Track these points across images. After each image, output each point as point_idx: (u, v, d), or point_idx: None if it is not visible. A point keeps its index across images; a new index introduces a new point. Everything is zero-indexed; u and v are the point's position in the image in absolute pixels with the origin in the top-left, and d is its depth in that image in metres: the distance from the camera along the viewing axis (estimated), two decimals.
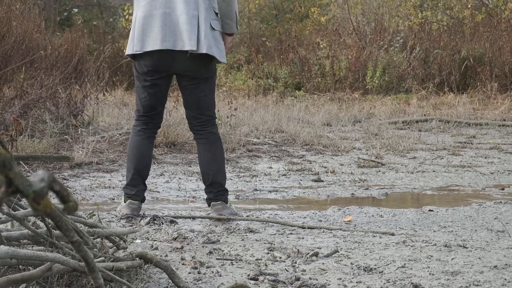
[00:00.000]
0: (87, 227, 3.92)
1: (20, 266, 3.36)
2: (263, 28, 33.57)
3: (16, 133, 7.26)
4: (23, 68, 12.79)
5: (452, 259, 4.80)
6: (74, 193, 7.53)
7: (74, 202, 1.57)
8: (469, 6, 30.67)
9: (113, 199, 7.37)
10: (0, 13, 13.18)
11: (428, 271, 4.46)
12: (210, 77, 6.59)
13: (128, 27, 30.51)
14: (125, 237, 4.59)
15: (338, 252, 4.96)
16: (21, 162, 7.89)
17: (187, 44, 6.10)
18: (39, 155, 5.89)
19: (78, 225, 3.77)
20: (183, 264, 4.51)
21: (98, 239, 3.95)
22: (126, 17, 31.05)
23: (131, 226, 5.74)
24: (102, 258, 3.63)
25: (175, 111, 13.21)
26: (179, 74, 6.45)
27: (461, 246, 5.23)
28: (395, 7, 29.56)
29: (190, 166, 9.74)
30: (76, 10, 31.81)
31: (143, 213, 6.27)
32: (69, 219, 3.42)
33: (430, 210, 6.88)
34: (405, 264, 4.63)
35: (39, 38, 15.29)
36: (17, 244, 3.54)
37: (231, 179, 8.85)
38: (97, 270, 2.57)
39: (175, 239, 5.30)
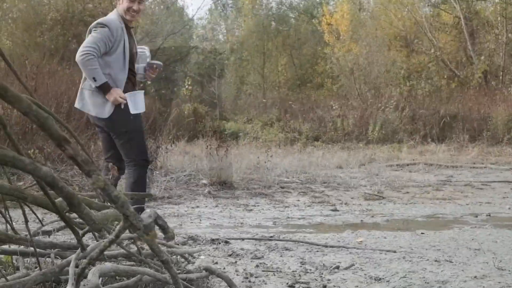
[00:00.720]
0: (166, 247, 3.93)
1: (117, 277, 3.38)
2: (289, 94, 33.71)
3: (113, 174, 7.32)
4: None
5: (441, 271, 4.76)
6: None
7: (172, 232, 1.58)
8: (445, 76, 30.76)
9: (181, 224, 7.36)
10: None
11: (424, 280, 4.43)
12: (120, 132, 6.17)
13: (187, 95, 30.79)
14: (194, 254, 4.60)
15: (354, 265, 4.93)
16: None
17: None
18: (129, 193, 5.93)
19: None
20: (237, 275, 4.50)
21: (174, 256, 3.96)
22: (187, 86, 31.28)
23: (197, 246, 5.73)
24: (179, 271, 3.65)
25: (225, 158, 13.24)
26: None
27: (447, 261, 5.19)
28: (389, 78, 29.57)
29: (238, 200, 9.73)
30: (149, 82, 31.98)
31: (205, 235, 6.27)
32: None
33: (422, 233, 6.83)
34: (406, 275, 4.60)
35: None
36: (115, 261, 3.56)
37: (269, 209, 8.84)
38: (180, 282, 2.58)
39: (230, 255, 5.30)
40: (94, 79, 5.95)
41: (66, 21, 30.17)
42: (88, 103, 6.09)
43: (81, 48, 6.07)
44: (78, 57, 6.03)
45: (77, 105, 6.18)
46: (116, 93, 6.04)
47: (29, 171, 1.36)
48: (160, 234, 2.25)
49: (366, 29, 31.92)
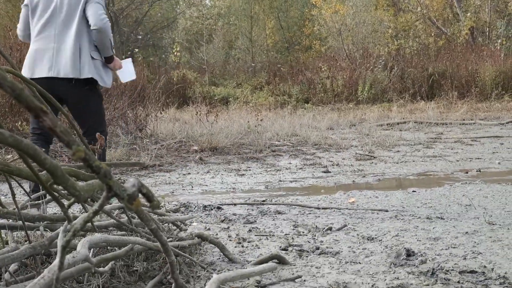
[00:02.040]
0: (157, 215, 3.90)
1: (109, 247, 3.35)
2: (278, 57, 33.66)
3: (100, 146, 7.29)
4: None
5: (433, 228, 4.75)
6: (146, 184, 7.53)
7: (157, 201, 1.55)
8: (433, 34, 30.74)
9: (172, 192, 7.34)
10: None
11: (416, 238, 4.42)
12: (93, 99, 5.90)
13: (176, 61, 30.65)
14: (185, 221, 4.58)
15: (347, 226, 4.92)
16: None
17: (70, 72, 5.65)
18: (119, 163, 5.90)
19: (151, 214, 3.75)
20: (229, 240, 4.48)
21: (166, 224, 3.94)
22: (175, 53, 31.15)
23: (189, 213, 5.72)
24: (170, 238, 3.62)
25: (215, 123, 13.21)
26: (63, 99, 5.76)
27: (439, 218, 5.18)
28: (377, 38, 29.51)
29: (229, 165, 9.71)
30: (137, 50, 31.90)
31: (197, 202, 6.25)
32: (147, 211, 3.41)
33: (413, 191, 6.83)
34: (398, 233, 4.59)
35: None
36: (106, 231, 3.53)
37: (260, 173, 8.82)
38: (170, 249, 2.56)
39: (222, 221, 5.28)
40: (112, 47, 5.89)
41: None
42: (103, 73, 5.89)
43: (100, 14, 5.75)
44: (101, 23, 5.72)
45: (94, 75, 5.79)
46: (118, 61, 6.04)
47: (9, 144, 1.32)
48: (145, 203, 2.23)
49: None
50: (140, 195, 1.49)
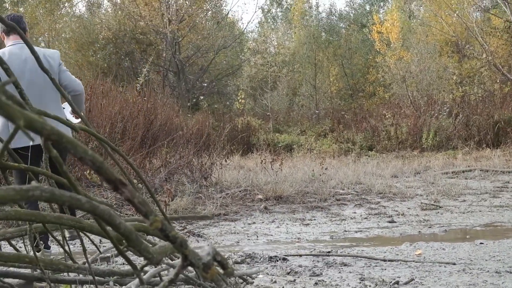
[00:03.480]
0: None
1: None
2: (342, 104, 33.68)
3: (169, 199, 7.39)
4: (166, 144, 13.00)
5: (502, 282, 4.66)
6: (208, 238, 7.55)
7: (231, 268, 1.57)
8: (498, 81, 30.34)
9: (238, 242, 7.36)
10: (149, 104, 13.47)
11: None
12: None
13: (240, 108, 30.92)
14: (252, 274, 4.57)
15: (414, 280, 4.86)
16: (174, 221, 8.00)
17: None
18: (187, 216, 5.96)
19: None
20: None
21: (233, 278, 3.94)
22: (240, 100, 31.42)
23: (254, 264, 5.71)
24: None
25: (279, 172, 13.22)
26: None
27: (508, 272, 5.08)
28: (442, 84, 29.28)
29: (294, 214, 9.69)
30: (202, 97, 32.28)
31: (262, 253, 6.24)
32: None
33: (481, 243, 6.71)
34: None
35: (177, 121, 15.57)
36: (174, 285, 3.56)
37: (325, 223, 8.78)
38: None
39: (288, 273, 5.26)
40: None
41: (118, 40, 30.69)
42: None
43: (79, 82, 6.40)
44: (82, 89, 6.41)
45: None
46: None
47: (86, 210, 1.36)
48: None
49: (417, 36, 31.70)
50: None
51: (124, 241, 1.71)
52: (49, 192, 1.29)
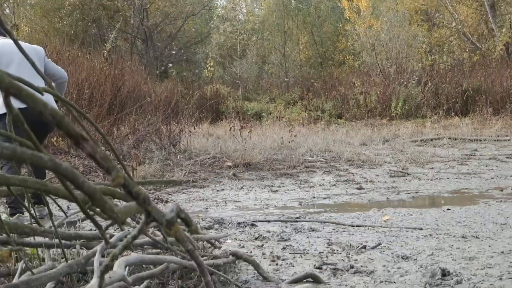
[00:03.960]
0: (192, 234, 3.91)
1: (144, 265, 3.37)
2: (311, 72, 33.65)
3: (136, 163, 7.36)
4: (134, 111, 12.92)
5: (468, 247, 4.71)
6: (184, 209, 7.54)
7: (195, 226, 1.56)
8: (467, 50, 30.52)
9: (206, 208, 7.35)
10: (116, 70, 13.36)
11: (451, 257, 4.38)
12: None
13: (209, 76, 30.79)
14: (219, 239, 4.58)
15: (381, 244, 4.89)
16: (142, 187, 7.98)
17: None
18: (154, 180, 5.94)
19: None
20: (264, 258, 4.48)
21: (201, 242, 3.94)
22: (208, 68, 31.27)
23: (223, 230, 5.72)
24: (205, 257, 3.63)
25: (248, 139, 13.21)
26: None
27: (474, 236, 5.13)
28: (411, 53, 29.35)
29: (263, 181, 9.70)
30: (170, 65, 32.07)
31: (231, 219, 6.24)
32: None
33: (448, 209, 6.78)
34: (433, 252, 4.55)
35: (145, 88, 15.47)
36: (141, 249, 3.55)
37: (294, 190, 8.81)
38: (206, 269, 2.56)
39: (256, 238, 5.27)
40: None
41: (85, 6, 30.24)
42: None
43: (63, 70, 7.08)
44: (67, 76, 7.13)
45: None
46: None
47: (49, 168, 1.34)
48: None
49: (387, 4, 31.64)
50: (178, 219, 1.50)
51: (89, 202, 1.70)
52: (10, 149, 1.27)
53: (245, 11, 42.06)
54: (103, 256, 2.64)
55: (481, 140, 15.82)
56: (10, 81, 1.21)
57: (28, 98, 1.22)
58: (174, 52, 33.17)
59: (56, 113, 1.25)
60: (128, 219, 3.70)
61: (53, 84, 6.77)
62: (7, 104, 1.79)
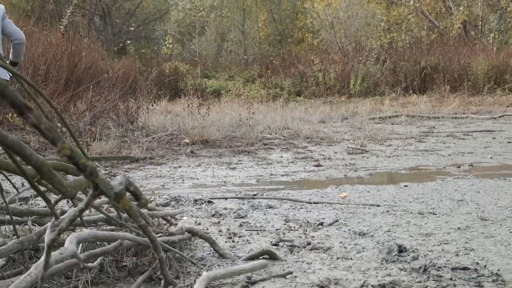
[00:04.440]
0: (147, 210, 3.87)
1: (98, 243, 3.32)
2: (270, 50, 33.60)
3: (91, 139, 7.27)
4: (91, 87, 12.77)
5: (425, 223, 4.74)
6: (133, 182, 7.49)
7: (145, 199, 1.52)
8: (425, 28, 30.73)
9: (163, 185, 7.30)
10: (73, 46, 13.20)
11: (408, 234, 4.40)
12: None
13: (168, 53, 30.59)
14: (176, 216, 4.55)
15: (338, 221, 4.90)
16: (95, 162, 7.89)
17: None
18: (109, 156, 5.87)
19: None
20: (220, 235, 4.45)
21: (156, 219, 3.90)
22: (167, 45, 31.06)
23: (179, 207, 5.68)
24: (160, 233, 3.59)
25: (207, 116, 13.16)
26: None
27: (431, 213, 5.17)
28: (370, 31, 29.47)
29: (221, 158, 9.67)
30: (129, 41, 31.80)
31: (188, 196, 6.21)
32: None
33: (405, 186, 6.81)
34: (390, 229, 4.57)
35: (103, 64, 15.31)
36: (95, 225, 3.50)
37: (252, 167, 8.79)
38: (159, 246, 2.52)
39: (213, 215, 5.25)
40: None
41: None
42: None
43: (22, 32, 7.27)
44: (24, 38, 7.30)
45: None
46: None
47: None
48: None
49: None
50: (128, 193, 1.46)
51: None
52: None
53: None
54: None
55: (438, 118, 15.98)
56: None
57: None
58: (132, 29, 32.91)
59: None
60: (82, 195, 3.64)
61: (11, 46, 7.08)
62: None
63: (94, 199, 1.41)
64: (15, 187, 3.43)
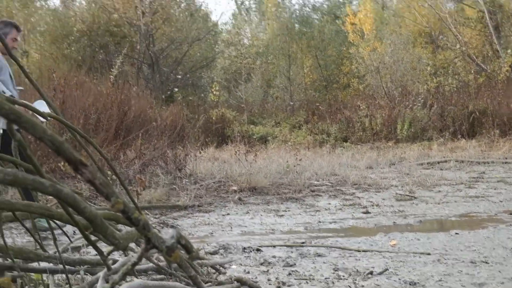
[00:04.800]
0: (196, 259, 3.88)
1: None
2: (316, 96, 33.75)
3: (140, 188, 7.35)
4: (140, 135, 12.92)
5: (478, 272, 4.66)
6: (182, 230, 7.50)
7: (196, 252, 1.54)
8: (472, 71, 30.53)
9: (212, 233, 7.31)
10: (122, 96, 13.41)
11: (460, 283, 4.34)
12: None
13: (215, 100, 30.90)
14: (224, 264, 4.54)
15: (388, 270, 4.85)
16: (145, 211, 7.97)
17: None
18: (158, 205, 5.92)
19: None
20: (269, 284, 4.44)
21: (205, 268, 3.90)
22: (214, 92, 31.39)
23: (228, 255, 5.67)
24: (209, 283, 3.59)
25: (254, 163, 13.18)
26: None
27: (484, 262, 5.09)
28: (416, 75, 29.40)
29: (268, 205, 9.66)
30: (176, 89, 32.16)
31: (236, 244, 6.20)
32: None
33: (456, 233, 6.72)
34: (441, 278, 4.51)
35: (151, 112, 15.51)
36: (145, 274, 3.52)
37: (300, 214, 8.76)
38: None
39: (261, 264, 5.23)
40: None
41: (92, 32, 30.55)
42: None
43: None
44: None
45: None
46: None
47: (50, 194, 1.32)
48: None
49: (390, 27, 31.81)
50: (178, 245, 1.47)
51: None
52: (12, 175, 1.25)
53: (249, 35, 42.21)
54: (106, 282, 2.61)
55: (488, 163, 15.76)
56: (10, 107, 1.19)
57: (27, 124, 1.20)
58: (179, 76, 33.29)
59: (55, 139, 1.23)
60: (133, 244, 3.67)
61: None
62: (11, 130, 1.77)
63: (146, 252, 1.42)
64: (67, 237, 3.47)
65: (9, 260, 2.91)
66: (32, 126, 1.24)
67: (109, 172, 7.53)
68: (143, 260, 3.65)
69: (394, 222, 7.90)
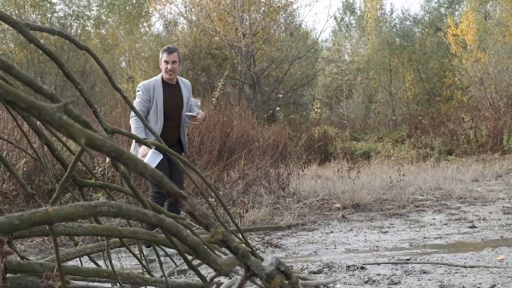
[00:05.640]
0: (300, 279, 3.91)
1: None
2: (419, 109, 33.33)
3: (243, 210, 7.44)
4: (243, 156, 13.07)
5: None
6: (286, 249, 7.55)
7: (296, 278, 1.57)
8: None
9: (316, 251, 7.33)
10: (225, 117, 13.59)
11: None
12: None
13: (316, 118, 30.93)
14: (328, 284, 4.55)
15: (496, 286, 4.76)
16: (252, 233, 8.06)
17: None
18: (261, 227, 6.00)
19: None
20: None
21: None
22: (315, 110, 31.46)
23: (332, 273, 5.68)
24: None
25: (357, 179, 13.13)
26: None
27: None
28: None
29: (372, 222, 9.60)
30: (278, 108, 32.38)
31: (340, 262, 6.20)
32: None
33: None
34: None
35: (253, 133, 15.65)
36: None
37: (404, 230, 8.68)
38: None
39: (366, 282, 5.22)
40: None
41: (194, 56, 31.13)
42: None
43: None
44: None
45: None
46: (142, 149, 7.15)
47: (153, 224, 1.40)
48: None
49: (494, 37, 31.09)
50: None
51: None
52: (116, 207, 1.33)
53: (350, 51, 42.10)
54: None
55: None
56: (112, 145, 1.27)
57: (128, 161, 1.27)
58: (281, 95, 33.50)
59: (156, 174, 1.30)
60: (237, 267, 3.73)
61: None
62: (114, 164, 1.86)
63: (246, 280, 1.47)
64: (173, 261, 3.57)
65: (118, 285, 3.02)
66: (134, 162, 1.32)
67: (211, 198, 7.69)
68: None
69: (501, 236, 7.73)
